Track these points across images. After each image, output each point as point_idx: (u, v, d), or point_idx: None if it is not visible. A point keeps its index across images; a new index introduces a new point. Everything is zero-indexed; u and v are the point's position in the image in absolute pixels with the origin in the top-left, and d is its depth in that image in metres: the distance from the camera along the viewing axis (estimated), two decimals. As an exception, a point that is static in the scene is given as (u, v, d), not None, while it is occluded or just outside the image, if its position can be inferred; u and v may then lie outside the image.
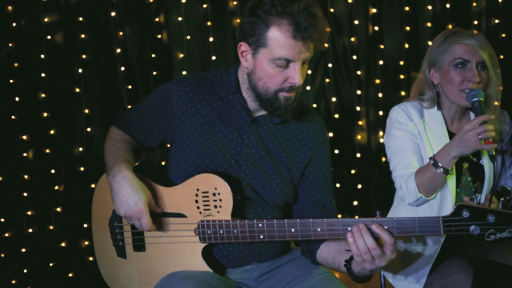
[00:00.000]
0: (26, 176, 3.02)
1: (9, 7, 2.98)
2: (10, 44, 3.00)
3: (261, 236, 1.39)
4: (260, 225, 1.38)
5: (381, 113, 3.34)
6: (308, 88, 3.28)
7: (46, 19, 3.01)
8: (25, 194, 3.01)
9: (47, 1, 3.00)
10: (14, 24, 2.99)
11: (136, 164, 1.59)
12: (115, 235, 1.57)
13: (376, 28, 3.29)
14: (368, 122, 3.37)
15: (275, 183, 1.49)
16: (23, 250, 3.01)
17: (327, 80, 3.32)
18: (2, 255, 3.00)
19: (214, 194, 1.42)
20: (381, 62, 3.31)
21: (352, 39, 3.29)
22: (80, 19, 3.05)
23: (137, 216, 1.42)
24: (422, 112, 1.80)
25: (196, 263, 1.45)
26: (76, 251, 3.04)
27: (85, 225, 3.01)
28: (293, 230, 1.37)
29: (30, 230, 3.03)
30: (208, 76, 1.56)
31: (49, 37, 3.03)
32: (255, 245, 1.47)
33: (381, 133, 3.36)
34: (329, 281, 1.44)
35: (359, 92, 3.33)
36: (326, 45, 1.46)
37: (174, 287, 1.35)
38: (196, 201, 1.45)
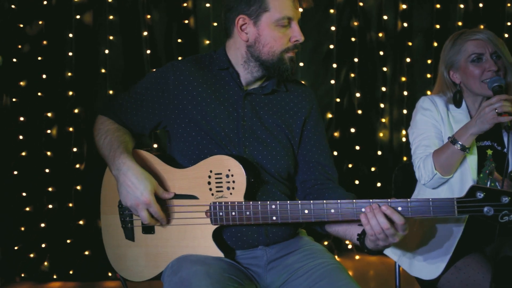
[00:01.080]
0: (48, 153, 3.07)
1: (41, -15, 3.01)
2: (40, 22, 3.04)
3: (274, 218, 1.40)
4: (273, 206, 1.39)
5: (405, 111, 3.30)
6: (332, 82, 3.25)
7: (76, -1, 3.04)
8: (47, 171, 3.06)
9: (78, -20, 3.03)
10: (45, 2, 3.02)
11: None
12: (124, 217, 1.57)
13: (405, 24, 3.24)
14: (391, 120, 3.34)
15: (275, 151, 1.54)
16: (42, 225, 3.06)
17: (352, 75, 3.28)
18: (22, 229, 3.05)
19: (227, 176, 1.43)
20: (408, 60, 3.27)
21: (380, 34, 3.25)
22: (109, 0, 3.06)
23: (144, 206, 1.42)
24: (447, 103, 1.86)
25: (206, 245, 1.45)
26: (94, 229, 3.08)
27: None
28: (306, 211, 1.38)
29: (50, 206, 3.07)
30: (200, 57, 1.64)
31: (78, 16, 3.05)
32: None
33: (403, 131, 3.32)
34: (337, 272, 1.44)
35: (384, 88, 3.29)
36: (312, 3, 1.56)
37: (184, 271, 1.35)
38: (209, 183, 1.45)
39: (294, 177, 1.62)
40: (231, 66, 1.57)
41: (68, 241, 3.08)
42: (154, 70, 1.64)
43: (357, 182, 3.33)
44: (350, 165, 3.35)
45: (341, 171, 2.77)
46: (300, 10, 1.51)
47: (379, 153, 3.32)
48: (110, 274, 3.03)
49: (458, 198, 1.26)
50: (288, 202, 1.39)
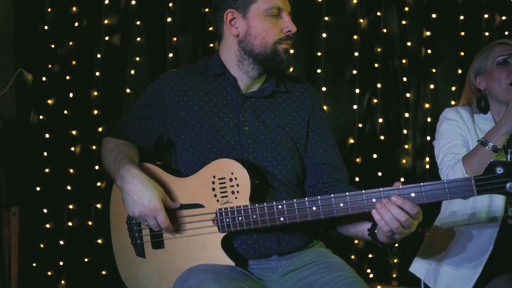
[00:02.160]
0: (71, 170, 3.10)
1: (74, 8, 3.11)
2: (70, 43, 3.13)
3: (282, 219, 1.33)
4: (280, 206, 1.33)
5: (428, 138, 3.25)
6: (355, 107, 3.24)
7: (106, 21, 3.12)
8: (68, 188, 3.08)
9: (109, 4, 3.12)
10: (76, 24, 3.11)
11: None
12: (133, 233, 1.54)
13: (429, 51, 3.23)
14: (414, 146, 3.28)
15: (280, 156, 1.48)
16: (61, 242, 3.06)
17: (375, 101, 3.27)
18: (42, 246, 3.06)
19: (231, 180, 1.38)
20: (432, 86, 3.25)
21: (404, 60, 3.25)
22: (138, 23, 3.14)
23: (152, 214, 1.37)
24: (472, 114, 1.84)
25: (216, 255, 1.40)
26: (111, 249, 3.06)
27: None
28: (314, 208, 1.30)
29: (70, 224, 3.08)
30: (193, 65, 1.60)
31: (107, 38, 3.13)
32: (274, 229, 1.42)
33: (427, 158, 3.26)
34: (356, 286, 1.36)
35: (407, 115, 3.26)
36: None
37: (193, 280, 1.31)
38: (213, 189, 1.40)
39: (303, 183, 1.56)
40: (226, 70, 1.52)
41: (86, 259, 3.06)
42: (151, 84, 1.61)
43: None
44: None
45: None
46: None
47: (402, 179, 3.26)
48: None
49: (476, 176, 1.15)
50: (295, 200, 1.32)
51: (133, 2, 3.13)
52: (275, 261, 1.45)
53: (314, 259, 1.49)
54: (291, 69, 3.03)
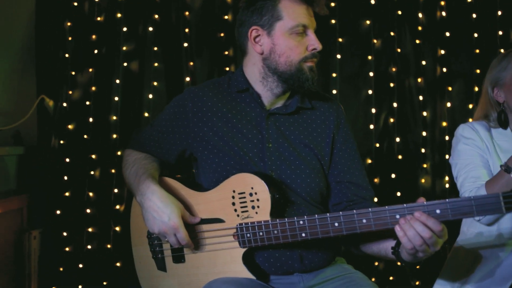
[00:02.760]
0: (91, 194, 3.14)
1: (93, 36, 3.20)
2: (90, 70, 3.21)
3: (303, 234, 1.30)
4: (301, 222, 1.30)
5: (447, 156, 3.21)
6: (371, 127, 3.23)
7: (124, 48, 3.20)
8: (88, 211, 3.12)
9: (127, 31, 3.21)
10: (95, 51, 3.20)
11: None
12: (154, 247, 1.54)
13: (444, 69, 3.23)
14: (433, 165, 3.25)
15: (304, 173, 1.46)
16: (80, 265, 3.07)
17: (392, 120, 3.26)
18: (61, 269, 3.07)
19: (251, 194, 1.37)
20: (448, 104, 3.23)
21: (419, 79, 3.24)
22: (155, 48, 3.21)
23: (172, 231, 1.37)
24: (490, 129, 1.76)
25: (237, 270, 1.38)
26: (130, 272, 3.05)
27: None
28: (336, 224, 1.27)
29: (89, 247, 3.10)
30: (217, 81, 1.61)
31: (125, 64, 3.20)
32: (296, 246, 1.40)
33: (446, 178, 3.22)
34: None
35: (424, 133, 3.24)
36: (327, 12, 1.50)
37: None
38: (233, 204, 1.39)
39: (327, 200, 1.53)
40: (250, 86, 1.51)
41: (105, 283, 3.06)
42: (173, 99, 1.61)
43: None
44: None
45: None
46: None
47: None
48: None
49: (504, 192, 1.11)
50: (316, 215, 1.29)
51: (150, 29, 3.21)
52: (297, 276, 1.44)
53: (337, 274, 1.47)
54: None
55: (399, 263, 1.36)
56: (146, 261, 1.59)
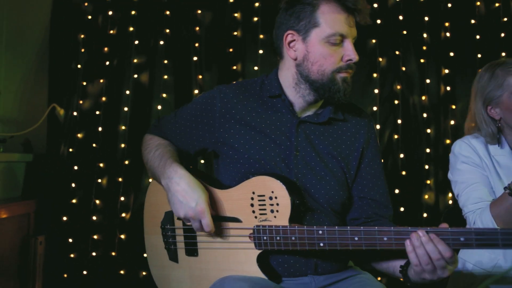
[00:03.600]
0: (97, 201, 3.18)
1: (106, 48, 3.29)
2: (101, 80, 3.28)
3: (321, 244, 1.28)
4: (321, 232, 1.28)
5: (450, 174, 3.24)
6: (375, 143, 3.27)
7: (135, 60, 3.28)
8: (94, 218, 3.15)
9: (138, 44, 3.29)
10: (107, 63, 3.28)
11: None
12: (167, 238, 1.53)
13: (448, 88, 3.28)
14: (436, 182, 3.27)
15: (329, 185, 1.43)
16: (85, 272, 3.09)
17: (396, 137, 3.30)
18: (65, 275, 3.09)
19: (270, 198, 1.34)
20: (452, 122, 3.27)
21: (423, 97, 3.30)
22: (165, 61, 3.29)
23: (198, 216, 1.35)
24: (487, 145, 1.75)
25: (250, 270, 1.37)
26: (134, 280, 3.08)
27: (145, 255, 3.06)
28: (356, 238, 1.24)
29: (94, 254, 3.12)
30: (249, 82, 1.56)
31: (135, 76, 3.28)
32: (312, 254, 1.39)
33: (450, 194, 3.24)
34: None
35: (428, 150, 3.28)
36: (369, 21, 1.43)
37: (226, 285, 1.30)
38: (252, 205, 1.38)
39: (347, 211, 1.50)
40: (283, 92, 1.48)
41: (108, 291, 3.08)
42: (202, 94, 1.57)
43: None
44: None
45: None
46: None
47: (425, 215, 3.23)
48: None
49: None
50: (336, 227, 1.27)
51: (161, 42, 3.29)
52: (309, 278, 1.43)
53: (348, 275, 1.48)
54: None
55: (404, 281, 1.33)
56: (158, 251, 1.59)
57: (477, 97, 1.80)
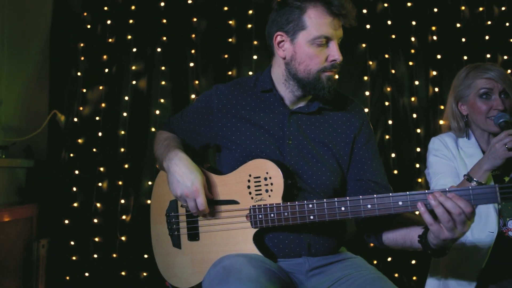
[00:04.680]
0: (98, 205, 3.25)
1: (104, 56, 3.39)
2: (100, 87, 3.38)
3: (311, 217, 1.38)
4: (310, 205, 1.38)
5: (440, 171, 3.34)
6: (367, 143, 3.37)
7: (133, 67, 3.38)
8: (95, 221, 3.22)
9: (136, 52, 3.40)
10: (106, 70, 3.38)
11: None
12: (171, 225, 1.64)
13: (436, 89, 3.40)
14: (427, 180, 3.37)
15: (320, 171, 1.52)
16: (86, 274, 3.16)
17: (387, 137, 3.41)
18: (67, 278, 3.15)
19: (265, 179, 1.45)
20: (441, 122, 3.38)
21: (413, 98, 3.42)
22: (162, 68, 3.40)
23: (193, 195, 1.45)
24: (457, 139, 1.94)
25: (247, 248, 1.47)
26: (135, 280, 3.15)
27: (146, 256, 3.14)
28: (343, 208, 1.34)
29: (95, 256, 3.19)
30: (245, 80, 1.68)
31: (134, 82, 3.38)
32: (305, 235, 1.50)
33: (440, 192, 3.34)
34: (380, 281, 1.40)
35: (418, 149, 3.38)
36: (355, 23, 1.50)
37: (226, 261, 1.36)
38: (248, 187, 1.48)
39: (341, 191, 1.58)
40: (274, 87, 1.59)
41: (110, 291, 3.14)
42: (202, 93, 1.72)
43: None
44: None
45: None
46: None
47: (417, 213, 3.32)
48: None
49: (500, 184, 1.21)
50: (325, 200, 1.37)
51: (159, 50, 3.40)
52: (303, 259, 1.51)
53: (340, 258, 1.56)
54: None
55: (424, 251, 1.36)
56: (162, 238, 1.68)
57: (452, 93, 1.98)
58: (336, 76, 1.53)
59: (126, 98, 3.37)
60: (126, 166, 3.30)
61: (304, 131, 1.56)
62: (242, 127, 1.58)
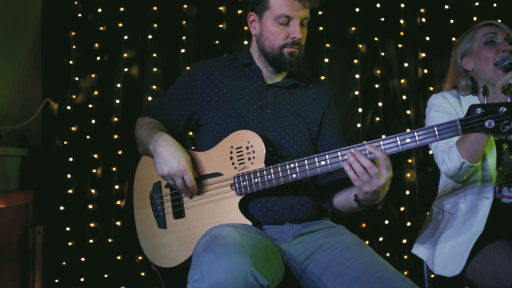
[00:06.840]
0: (93, 191, 3.29)
1: (96, 44, 3.41)
2: (93, 75, 3.41)
3: (294, 175, 1.47)
4: (292, 165, 1.47)
5: (430, 152, 3.39)
6: (359, 125, 3.42)
7: (125, 55, 3.41)
8: (90, 207, 3.26)
9: (128, 39, 3.42)
10: (98, 58, 3.40)
11: None
12: (156, 206, 1.68)
13: (425, 71, 3.44)
14: (417, 160, 3.42)
15: (296, 136, 1.68)
16: (83, 259, 3.20)
17: (377, 119, 3.44)
18: (64, 263, 3.20)
19: (247, 148, 1.55)
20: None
21: (402, 80, 3.45)
22: (154, 55, 3.42)
23: (181, 173, 1.52)
24: (459, 97, 1.92)
25: (234, 216, 1.53)
26: (130, 264, 3.19)
27: (141, 240, 3.18)
28: (323, 162, 1.43)
29: (91, 241, 3.23)
30: (224, 58, 1.84)
31: (126, 69, 3.41)
32: (286, 197, 1.59)
33: (430, 170, 3.38)
34: (360, 246, 1.49)
35: (408, 130, 3.41)
36: (318, 2, 1.66)
37: (214, 230, 1.41)
38: (231, 158, 1.57)
39: None
40: (253, 62, 1.76)
41: (106, 275, 3.18)
42: (184, 71, 1.83)
43: (386, 222, 3.35)
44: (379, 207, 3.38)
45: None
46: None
47: (407, 192, 3.38)
48: (144, 309, 3.08)
49: (460, 118, 1.30)
50: (305, 158, 1.46)
51: (150, 36, 3.42)
52: (287, 226, 1.59)
53: (322, 226, 1.64)
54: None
55: (360, 209, 1.51)
56: (147, 222, 1.71)
57: (455, 53, 1.96)
58: (298, 52, 1.67)
59: (119, 85, 3.40)
60: (120, 152, 3.33)
61: (280, 102, 1.72)
62: (224, 96, 1.70)
